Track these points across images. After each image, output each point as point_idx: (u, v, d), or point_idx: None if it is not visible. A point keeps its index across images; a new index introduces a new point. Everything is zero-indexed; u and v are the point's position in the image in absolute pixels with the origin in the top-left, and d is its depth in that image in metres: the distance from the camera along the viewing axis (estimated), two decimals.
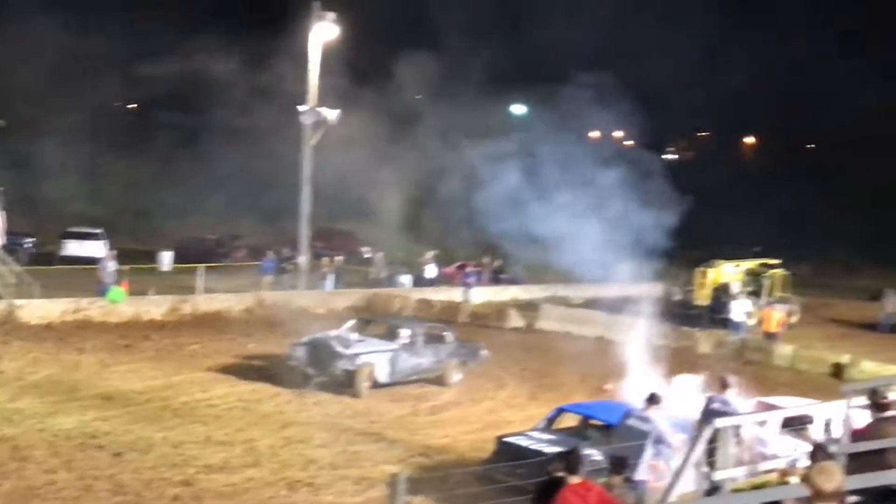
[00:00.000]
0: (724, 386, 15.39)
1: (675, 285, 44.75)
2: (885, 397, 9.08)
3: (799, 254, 65.55)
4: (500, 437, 16.66)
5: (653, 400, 14.07)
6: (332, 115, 36.28)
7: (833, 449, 9.00)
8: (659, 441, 13.49)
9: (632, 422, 14.05)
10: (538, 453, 14.80)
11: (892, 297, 42.60)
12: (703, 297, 40.41)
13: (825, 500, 5.27)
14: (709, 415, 13.93)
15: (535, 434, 16.56)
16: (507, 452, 15.49)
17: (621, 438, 13.77)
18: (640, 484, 12.69)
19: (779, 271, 42.29)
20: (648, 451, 13.38)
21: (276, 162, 40.33)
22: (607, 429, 15.68)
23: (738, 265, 42.78)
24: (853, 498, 8.03)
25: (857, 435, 9.05)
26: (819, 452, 8.48)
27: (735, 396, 15.43)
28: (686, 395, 17.80)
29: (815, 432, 12.72)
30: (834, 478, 5.25)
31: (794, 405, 16.19)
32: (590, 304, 42.81)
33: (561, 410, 18.02)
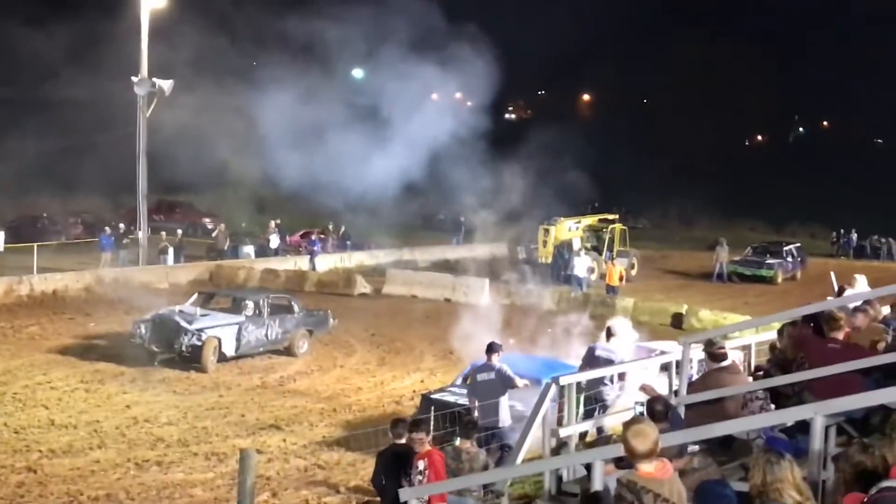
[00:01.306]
0: (608, 334, 15.71)
1: (520, 244, 45.41)
2: (722, 347, 9.38)
3: (636, 208, 67.44)
4: (424, 395, 17.44)
5: (492, 349, 14.42)
6: (166, 85, 35.40)
7: (673, 400, 9.24)
8: (509, 385, 13.89)
9: (480, 376, 14.32)
10: (458, 406, 15.18)
11: (722, 248, 44.04)
12: (546, 255, 41.09)
13: (641, 459, 5.42)
14: (592, 362, 14.31)
15: (455, 389, 17.04)
16: (430, 407, 15.88)
17: (477, 395, 14.07)
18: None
19: (618, 226, 43.36)
20: (504, 398, 13.83)
21: (111, 134, 39.35)
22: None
23: (578, 222, 43.59)
24: (694, 447, 8.31)
25: (695, 385, 9.32)
26: (656, 404, 8.68)
27: (618, 344, 15.69)
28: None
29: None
30: (648, 439, 5.39)
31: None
32: (436, 266, 43.18)
33: (473, 367, 18.02)
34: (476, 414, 13.22)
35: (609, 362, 14.05)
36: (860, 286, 13.25)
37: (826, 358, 8.52)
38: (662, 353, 15.45)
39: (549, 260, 40.95)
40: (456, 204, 61.68)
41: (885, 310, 10.54)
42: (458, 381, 17.89)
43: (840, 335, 8.73)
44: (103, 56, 37.34)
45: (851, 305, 9.73)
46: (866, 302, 9.73)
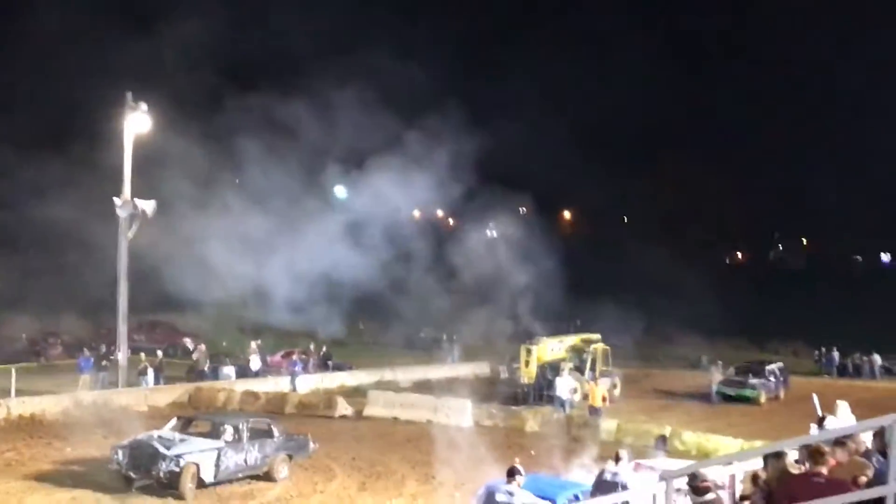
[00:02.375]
0: (616, 458, 16.43)
1: (502, 364, 45.34)
2: (705, 481, 9.28)
3: (618, 326, 67.41)
4: None
5: (512, 473, 14.41)
6: (148, 206, 35.54)
7: None
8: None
9: (499, 497, 14.29)
10: None
11: (717, 368, 44.04)
12: (528, 375, 40.99)
13: None
14: (601, 486, 14.56)
15: None
16: None
17: None
18: None
19: (600, 346, 43.34)
20: None
21: (93, 255, 39.32)
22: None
23: (561, 341, 43.66)
24: None
25: None
26: None
27: (626, 468, 16.07)
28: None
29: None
30: None
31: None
32: (418, 386, 42.99)
33: (489, 488, 18.03)
34: None
35: (616, 485, 14.83)
36: (842, 413, 13.21)
37: (810, 493, 8.44)
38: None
39: (532, 380, 40.82)
40: (437, 323, 61.87)
41: (868, 439, 10.45)
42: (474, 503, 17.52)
43: (824, 469, 8.68)
44: (86, 177, 37.58)
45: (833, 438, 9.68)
46: (848, 435, 9.68)
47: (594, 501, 14.18)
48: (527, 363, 41.46)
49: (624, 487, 15.38)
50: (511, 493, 14.20)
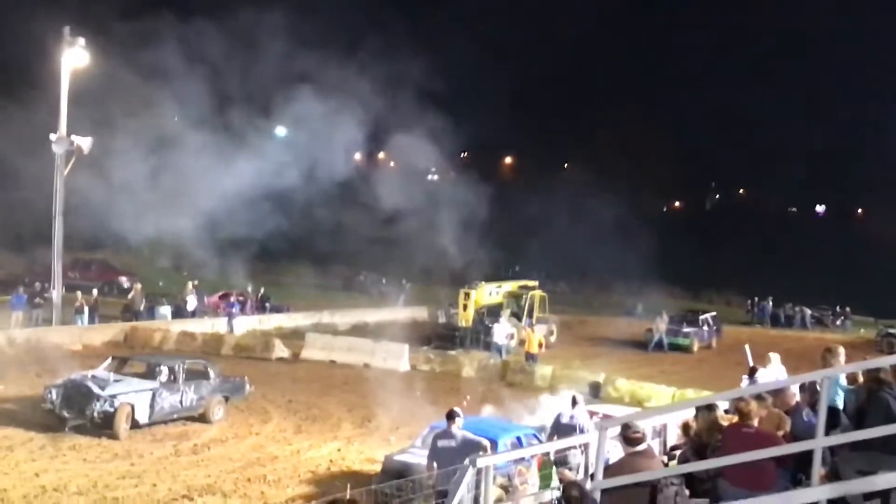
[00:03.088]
0: (573, 402, 16.84)
1: (440, 308, 45.51)
2: (637, 431, 9.40)
3: (555, 272, 67.92)
4: (387, 456, 17.90)
5: (451, 416, 14.44)
6: (84, 143, 34.98)
7: (588, 485, 9.24)
8: (475, 450, 13.87)
9: (441, 443, 14.31)
10: (420, 466, 15.43)
11: (661, 318, 44.45)
12: (466, 319, 41.20)
13: None
14: (559, 429, 14.82)
15: (416, 450, 17.43)
16: (392, 469, 16.69)
17: (437, 462, 13.98)
18: None
19: (537, 292, 43.58)
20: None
21: (27, 191, 38.70)
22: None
23: (499, 286, 43.89)
24: None
25: (610, 469, 9.33)
26: (572, 489, 8.68)
27: (582, 411, 16.39)
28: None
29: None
30: None
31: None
32: (355, 330, 43.05)
33: (433, 428, 18.07)
34: (433, 480, 13.25)
35: (574, 428, 15.24)
36: (773, 365, 13.43)
37: (741, 444, 8.61)
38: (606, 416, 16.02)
39: (470, 324, 41.06)
40: (374, 266, 61.94)
41: (795, 391, 10.64)
42: (419, 443, 18.12)
43: (755, 422, 8.86)
44: (22, 112, 36.88)
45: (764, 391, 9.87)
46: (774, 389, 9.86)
47: (555, 444, 14.35)
48: (465, 307, 41.63)
49: (581, 430, 15.62)
50: (452, 436, 14.24)
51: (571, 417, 16.43)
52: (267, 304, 46.14)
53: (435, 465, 13.88)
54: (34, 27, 39.42)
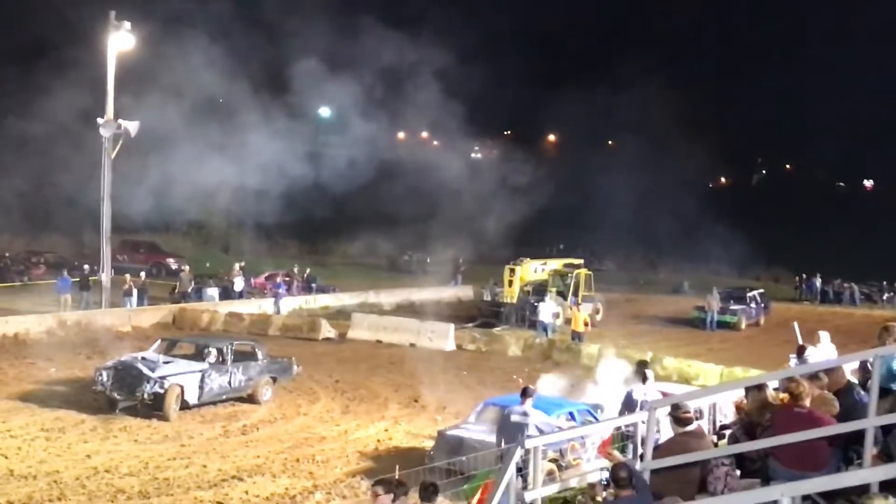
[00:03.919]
0: (644, 378, 17.35)
1: (485, 286, 45.49)
2: (687, 412, 9.36)
3: (601, 250, 67.66)
4: (440, 431, 18.25)
5: (525, 393, 15.11)
6: (132, 126, 35.19)
7: (638, 465, 9.21)
8: (540, 431, 14.24)
9: (514, 418, 14.87)
10: (474, 441, 16.47)
11: (713, 297, 44.02)
12: (511, 295, 41.28)
13: None
14: (630, 405, 15.84)
15: (469, 426, 18.00)
16: (447, 443, 17.20)
17: (506, 435, 14.43)
18: None
19: (583, 271, 43.45)
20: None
21: (76, 174, 39.07)
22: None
23: (544, 263, 43.87)
24: None
25: (660, 450, 9.29)
26: (620, 470, 8.66)
27: (653, 388, 16.99)
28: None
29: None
30: None
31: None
32: (400, 309, 43.15)
33: (487, 404, 19.07)
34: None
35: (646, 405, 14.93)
36: (823, 343, 13.27)
37: (792, 424, 8.53)
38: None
39: (515, 300, 41.11)
40: (418, 245, 61.97)
41: (848, 372, 10.49)
42: (472, 419, 18.55)
43: (806, 402, 8.77)
44: (71, 95, 37.19)
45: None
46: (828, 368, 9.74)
47: (627, 419, 14.47)
48: (510, 283, 41.73)
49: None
50: (525, 413, 14.74)
51: (644, 394, 16.61)
52: (313, 285, 46.28)
53: (503, 441, 14.24)
54: (80, 11, 39.75)
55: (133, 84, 36.77)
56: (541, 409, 16.89)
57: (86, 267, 39.02)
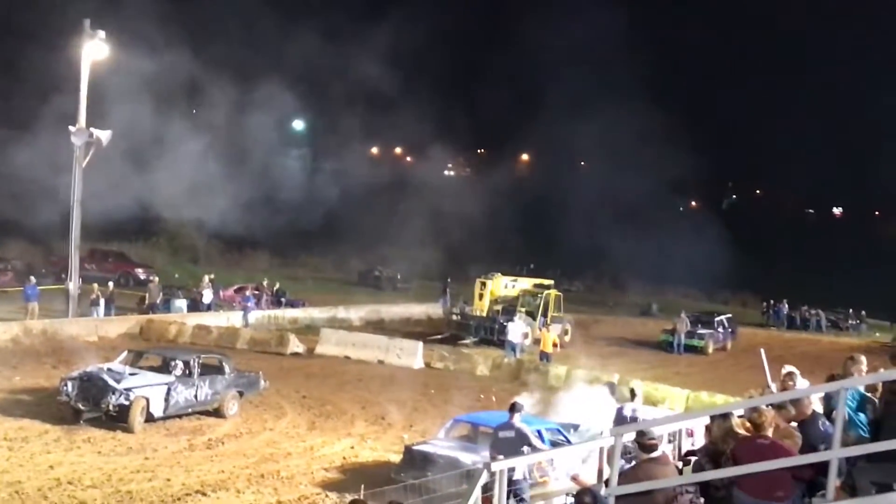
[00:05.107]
0: (632, 395, 18.28)
1: (456, 299, 45.61)
2: (653, 438, 9.40)
3: (571, 270, 67.88)
4: (408, 447, 18.44)
5: (514, 409, 15.32)
6: (104, 135, 35.01)
7: (603, 491, 9.24)
8: (527, 443, 14.70)
9: (502, 433, 15.14)
10: (442, 457, 16.97)
11: (681, 320, 44.20)
12: (481, 308, 41.49)
13: None
14: (622, 422, 16.03)
15: (438, 442, 18.38)
16: (414, 459, 17.44)
17: (499, 451, 14.51)
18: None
19: (552, 291, 43.59)
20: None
21: (46, 182, 38.86)
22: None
23: (515, 280, 44.10)
24: None
25: (625, 476, 9.32)
26: (585, 496, 8.69)
27: (641, 404, 17.13)
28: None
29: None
30: None
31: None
32: (370, 325, 43.14)
33: (456, 421, 19.62)
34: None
35: (636, 420, 15.68)
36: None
37: (755, 454, 8.60)
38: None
39: (484, 313, 41.30)
40: (392, 260, 62.00)
41: (815, 401, 10.56)
42: (441, 435, 18.91)
43: (768, 432, 8.84)
44: (41, 103, 37.01)
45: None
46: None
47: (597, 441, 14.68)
48: (480, 296, 41.98)
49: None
50: (512, 427, 14.95)
51: (634, 410, 17.10)
52: (282, 300, 46.12)
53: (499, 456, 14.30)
54: (55, 20, 39.59)
55: (106, 92, 36.61)
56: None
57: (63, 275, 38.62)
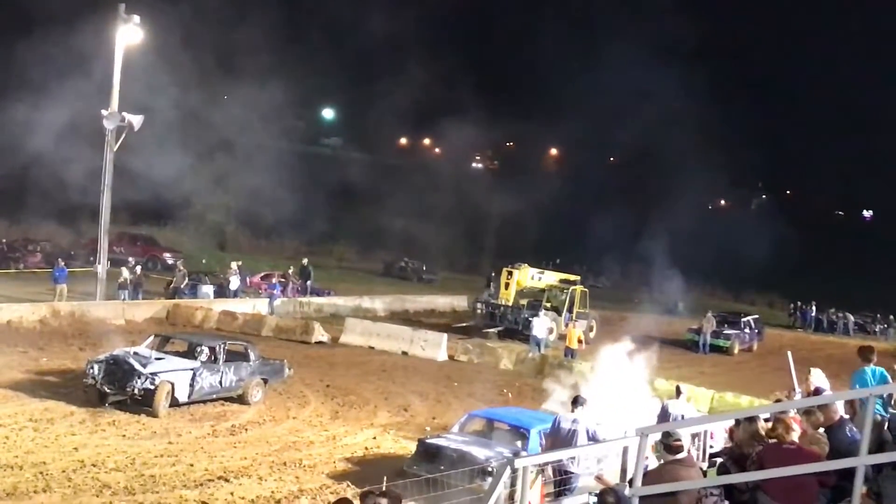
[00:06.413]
0: (678, 392, 18.52)
1: (479, 299, 45.55)
2: (678, 440, 9.35)
3: (598, 266, 67.67)
4: (420, 440, 18.35)
5: (577, 402, 15.53)
6: (136, 120, 35.15)
7: (627, 491, 9.19)
8: (592, 439, 14.92)
9: (565, 424, 15.31)
10: (455, 452, 16.96)
11: (708, 320, 44.00)
12: (507, 298, 41.52)
13: None
14: (666, 419, 16.32)
15: (451, 436, 18.32)
16: (427, 452, 17.45)
17: (559, 442, 14.99)
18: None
19: (578, 287, 43.48)
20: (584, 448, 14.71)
21: (77, 163, 39.06)
22: (513, 430, 17.88)
23: (541, 272, 44.07)
24: None
25: (649, 477, 9.28)
26: (608, 496, 8.65)
27: (686, 403, 17.26)
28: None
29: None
30: None
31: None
32: (395, 315, 43.16)
33: (470, 416, 19.66)
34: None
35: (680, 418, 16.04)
36: (815, 380, 13.25)
37: (781, 459, 8.54)
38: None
39: (510, 302, 41.32)
40: (420, 252, 62.06)
41: (840, 406, 10.49)
42: (455, 429, 18.93)
43: (794, 437, 8.79)
44: (74, 84, 37.14)
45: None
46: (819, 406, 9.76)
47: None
48: (506, 285, 42.01)
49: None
50: (576, 420, 15.14)
51: (679, 408, 17.38)
52: (309, 282, 45.90)
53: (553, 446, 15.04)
54: (90, 3, 39.73)
55: (140, 77, 36.74)
56: (522, 423, 17.67)
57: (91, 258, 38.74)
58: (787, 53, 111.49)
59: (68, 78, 37.60)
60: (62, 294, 36.02)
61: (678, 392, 18.53)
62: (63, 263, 37.70)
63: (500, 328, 40.58)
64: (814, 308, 60.06)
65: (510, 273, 42.30)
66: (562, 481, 13.94)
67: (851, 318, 58.73)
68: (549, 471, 14.19)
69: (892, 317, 60.83)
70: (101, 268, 36.36)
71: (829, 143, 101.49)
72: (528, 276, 42.90)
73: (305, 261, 47.18)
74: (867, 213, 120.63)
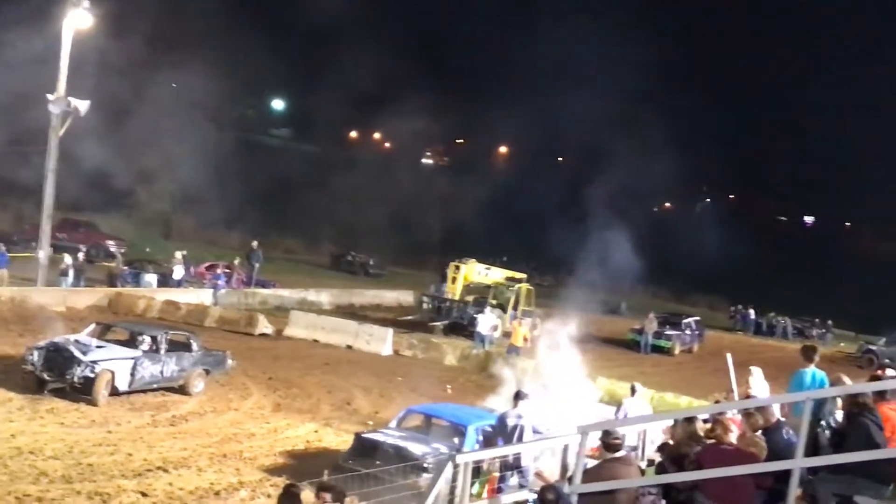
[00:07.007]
0: (632, 391, 18.97)
1: (425, 295, 45.60)
2: (617, 438, 9.46)
3: (543, 265, 67.97)
4: (357, 434, 18.06)
5: (518, 396, 15.64)
6: (82, 105, 34.77)
7: (566, 488, 9.28)
8: (534, 431, 15.19)
9: (510, 420, 15.31)
10: (392, 447, 16.72)
11: (650, 321, 44.35)
12: (454, 292, 41.65)
13: None
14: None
15: (388, 431, 18.10)
16: (363, 447, 17.13)
17: (505, 437, 15.11)
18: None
19: (524, 285, 43.60)
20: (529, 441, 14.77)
21: (20, 148, 38.62)
22: (450, 427, 17.77)
23: (488, 268, 44.21)
24: None
25: (588, 475, 9.38)
26: (548, 492, 8.73)
27: (641, 402, 17.34)
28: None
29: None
30: None
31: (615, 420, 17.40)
32: (340, 309, 43.09)
33: (409, 411, 19.49)
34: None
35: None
36: (755, 380, 13.46)
37: (719, 460, 8.67)
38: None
39: (457, 297, 41.41)
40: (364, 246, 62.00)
41: (776, 409, 10.63)
42: (393, 424, 18.81)
43: (732, 438, 8.93)
44: (20, 68, 36.67)
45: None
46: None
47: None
48: (453, 279, 42.09)
49: None
50: (520, 416, 15.21)
51: (634, 406, 17.81)
52: (257, 264, 45.39)
53: (500, 441, 15.01)
54: None
55: (88, 62, 36.35)
56: (460, 420, 17.66)
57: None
58: (733, 58, 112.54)
59: (14, 61, 37.14)
60: (2, 279, 35.54)
61: (633, 391, 18.82)
62: (4, 248, 37.16)
63: (445, 323, 40.67)
64: (753, 311, 60.84)
65: (457, 267, 42.44)
66: (515, 475, 14.04)
67: (790, 322, 59.61)
68: (497, 465, 14.30)
69: (829, 322, 61.83)
70: (43, 254, 35.94)
71: (773, 149, 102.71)
72: (475, 271, 43.06)
73: (255, 244, 46.69)
74: (809, 219, 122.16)
